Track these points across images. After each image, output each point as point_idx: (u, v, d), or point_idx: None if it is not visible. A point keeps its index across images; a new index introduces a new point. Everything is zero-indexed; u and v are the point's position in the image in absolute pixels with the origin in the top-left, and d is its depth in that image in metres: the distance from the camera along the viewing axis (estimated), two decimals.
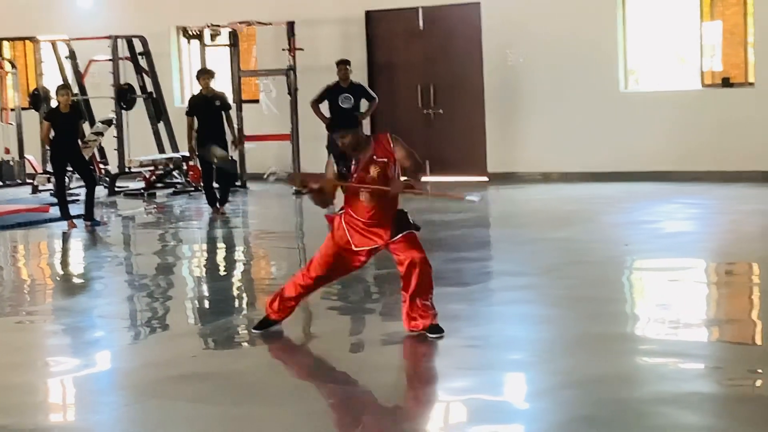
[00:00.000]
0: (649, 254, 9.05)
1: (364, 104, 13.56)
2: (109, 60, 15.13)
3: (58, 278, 9.45)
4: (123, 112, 15.14)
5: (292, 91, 14.68)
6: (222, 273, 9.43)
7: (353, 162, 6.14)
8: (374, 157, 6.14)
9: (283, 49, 14.80)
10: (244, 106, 15.29)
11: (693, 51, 14.13)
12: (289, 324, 6.54)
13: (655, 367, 5.69)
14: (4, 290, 8.80)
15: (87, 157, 13.34)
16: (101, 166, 15.47)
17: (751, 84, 13.73)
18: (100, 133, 14.90)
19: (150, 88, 15.66)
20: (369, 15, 15.52)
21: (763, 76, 13.51)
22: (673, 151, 13.87)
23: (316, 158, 13.89)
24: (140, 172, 15.28)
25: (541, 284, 7.90)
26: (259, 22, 15.21)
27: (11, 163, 16.27)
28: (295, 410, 5.15)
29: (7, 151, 16.40)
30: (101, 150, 15.61)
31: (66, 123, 11.72)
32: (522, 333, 6.57)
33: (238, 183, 14.74)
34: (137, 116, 15.41)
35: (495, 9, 14.60)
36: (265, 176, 7.02)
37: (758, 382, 5.45)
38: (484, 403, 5.20)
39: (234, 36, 15.32)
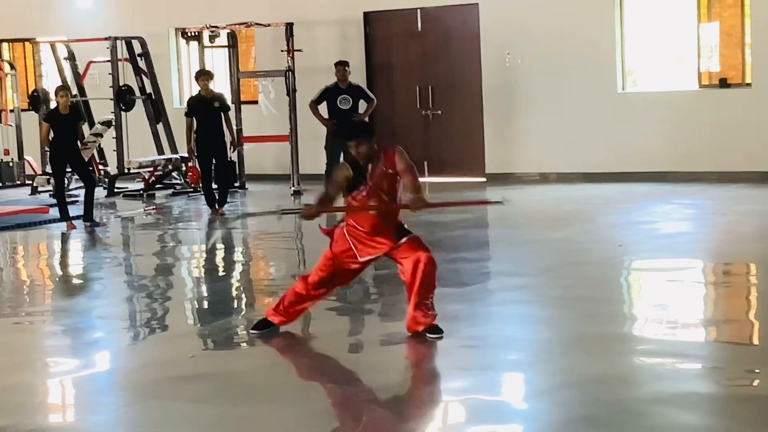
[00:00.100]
0: (647, 254, 9.07)
1: (362, 105, 13.57)
2: (108, 61, 15.14)
3: (58, 279, 9.46)
4: (122, 113, 15.14)
5: (291, 92, 14.70)
6: (221, 274, 9.44)
7: (366, 171, 6.15)
8: (385, 169, 6.17)
9: (282, 51, 14.82)
10: (243, 107, 15.31)
11: (690, 52, 14.15)
12: (289, 325, 6.56)
13: (653, 367, 5.71)
14: (4, 291, 8.81)
15: (86, 159, 13.36)
16: (100, 167, 15.49)
17: (748, 85, 13.76)
18: (100, 135, 14.92)
19: (149, 89, 15.67)
20: (367, 16, 15.54)
21: (760, 77, 13.54)
22: (671, 151, 13.90)
23: (315, 159, 13.94)
24: (139, 173, 15.30)
25: (539, 285, 7.92)
26: (258, 24, 15.22)
27: (11, 164, 16.29)
28: (294, 410, 5.17)
29: (7, 153, 16.42)
30: (100, 151, 15.64)
31: (65, 124, 11.73)
32: (520, 333, 6.59)
33: (237, 184, 14.76)
34: (136, 117, 15.42)
35: (493, 10, 14.62)
36: (278, 215, 6.97)
37: (756, 382, 5.48)
38: (483, 403, 5.22)
39: (233, 37, 15.34)
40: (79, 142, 12.42)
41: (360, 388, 5.69)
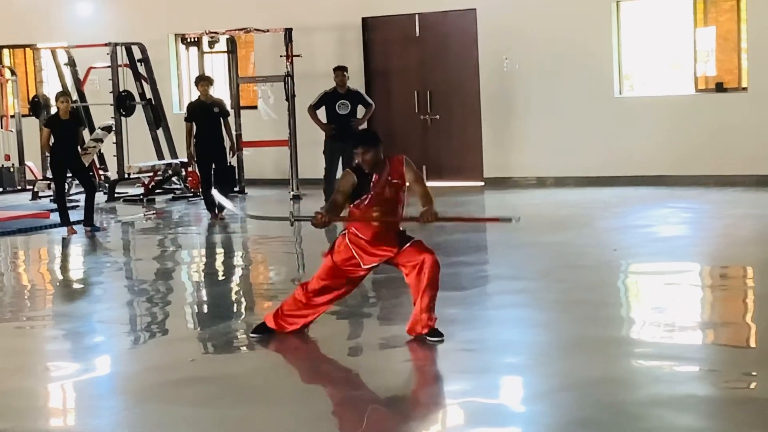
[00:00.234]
0: (644, 258, 9.10)
1: (361, 110, 13.60)
2: (109, 67, 15.18)
3: (58, 283, 9.49)
4: (122, 118, 15.18)
5: (290, 98, 14.74)
6: (221, 278, 9.47)
7: (370, 179, 6.17)
8: (390, 178, 6.19)
9: (281, 56, 14.86)
10: (243, 112, 15.36)
11: (687, 56, 14.21)
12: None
13: (650, 370, 5.73)
14: (5, 295, 8.83)
15: (87, 164, 13.40)
16: (101, 172, 15.54)
17: (744, 89, 13.81)
18: (100, 140, 14.96)
19: (149, 94, 15.71)
20: (366, 22, 15.58)
21: (756, 81, 13.58)
22: (668, 155, 13.95)
23: (314, 164, 13.97)
24: (139, 178, 15.33)
25: (537, 288, 7.96)
26: (257, 29, 15.26)
27: (11, 169, 16.31)
28: (294, 413, 5.20)
29: (8, 158, 16.44)
30: (101, 156, 15.68)
31: (66, 130, 11.76)
32: (518, 336, 6.62)
33: (237, 188, 14.80)
34: (136, 123, 15.45)
35: (491, 15, 14.67)
36: (290, 222, 6.99)
37: (753, 385, 5.49)
38: (481, 406, 5.25)
39: (232, 43, 15.38)
40: (79, 147, 12.45)
41: (360, 391, 5.71)
